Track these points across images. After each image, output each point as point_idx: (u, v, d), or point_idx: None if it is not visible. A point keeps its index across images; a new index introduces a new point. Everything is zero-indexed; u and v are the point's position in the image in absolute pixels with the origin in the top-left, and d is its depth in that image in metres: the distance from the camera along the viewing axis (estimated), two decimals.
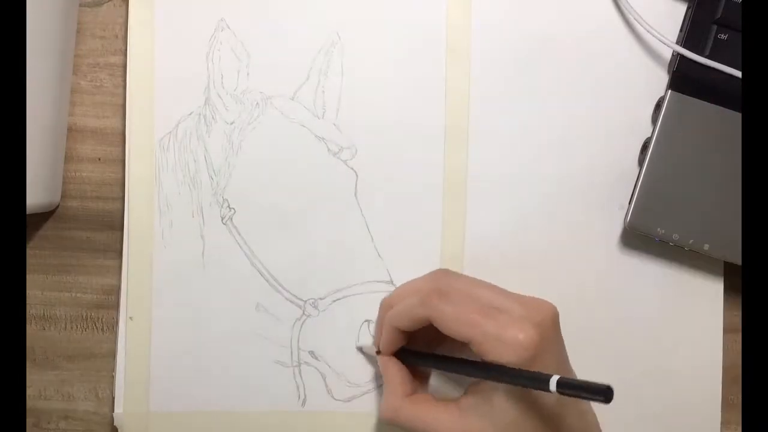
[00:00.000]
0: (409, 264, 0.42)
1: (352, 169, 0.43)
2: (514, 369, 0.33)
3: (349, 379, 0.42)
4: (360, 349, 0.42)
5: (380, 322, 0.41)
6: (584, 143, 0.43)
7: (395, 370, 0.39)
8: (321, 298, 0.42)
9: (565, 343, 0.37)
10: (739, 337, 0.43)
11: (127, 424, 0.42)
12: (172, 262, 0.42)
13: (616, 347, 0.43)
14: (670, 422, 0.43)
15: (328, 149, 0.43)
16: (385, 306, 0.41)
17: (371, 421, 0.43)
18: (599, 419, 0.37)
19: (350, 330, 0.42)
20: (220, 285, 0.42)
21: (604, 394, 0.29)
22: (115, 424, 0.42)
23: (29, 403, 0.43)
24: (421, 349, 0.40)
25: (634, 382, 0.43)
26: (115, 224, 0.43)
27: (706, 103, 0.41)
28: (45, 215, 0.43)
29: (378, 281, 0.42)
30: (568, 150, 0.43)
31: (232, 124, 0.42)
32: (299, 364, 0.43)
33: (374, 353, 0.40)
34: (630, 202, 0.41)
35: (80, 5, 0.43)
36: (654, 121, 0.42)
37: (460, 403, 0.36)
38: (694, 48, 0.41)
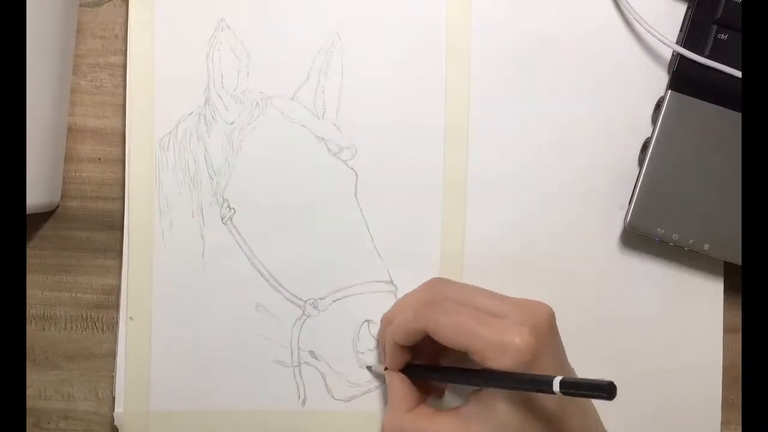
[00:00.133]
0: (409, 264, 0.42)
1: (352, 169, 0.43)
2: (516, 374, 0.33)
3: (349, 379, 0.42)
4: (369, 369, 0.42)
5: (382, 338, 0.41)
6: (584, 143, 0.43)
7: (397, 385, 0.39)
8: (321, 298, 0.42)
9: (565, 343, 0.37)
10: (739, 337, 0.43)
11: (127, 423, 0.42)
12: (172, 262, 0.42)
13: (616, 347, 0.43)
14: (670, 422, 0.43)
15: (328, 149, 0.43)
16: (386, 321, 0.41)
17: (371, 421, 0.43)
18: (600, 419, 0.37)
19: (350, 330, 0.42)
20: (220, 285, 0.42)
21: (607, 390, 0.29)
22: (115, 423, 0.42)
23: (29, 403, 0.43)
24: (427, 361, 0.40)
25: (634, 382, 0.43)
26: (115, 224, 0.43)
27: (706, 103, 0.41)
28: (45, 215, 0.43)
29: (378, 281, 0.42)
30: (568, 150, 0.43)
31: (232, 124, 0.42)
32: (299, 364, 0.43)
33: (382, 371, 0.41)
34: (630, 202, 0.41)
35: (80, 5, 0.43)
36: (654, 121, 0.42)
37: (460, 412, 0.36)
38: (694, 48, 0.41)
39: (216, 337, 0.42)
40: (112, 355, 0.43)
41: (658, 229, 0.41)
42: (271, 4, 0.42)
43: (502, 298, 0.37)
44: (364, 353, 0.42)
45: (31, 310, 0.43)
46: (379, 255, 0.42)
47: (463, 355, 0.35)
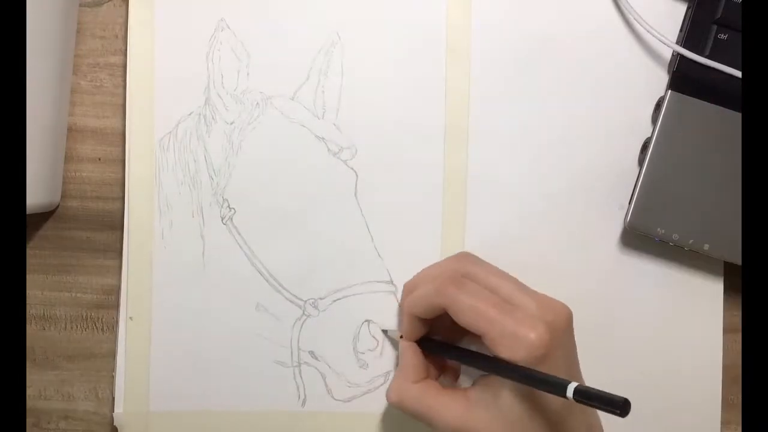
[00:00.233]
0: (409, 264, 0.42)
1: (352, 169, 0.43)
2: (532, 371, 0.33)
3: (349, 379, 0.42)
4: (385, 333, 0.42)
5: (401, 306, 0.41)
6: (584, 143, 0.43)
7: (410, 355, 0.39)
8: (321, 298, 0.42)
9: None
10: (739, 337, 0.43)
11: (127, 423, 0.42)
12: (172, 262, 0.42)
13: (615, 347, 0.43)
14: (670, 422, 0.43)
15: (328, 149, 0.43)
16: (407, 290, 0.41)
17: (371, 421, 0.43)
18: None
19: (350, 330, 0.42)
20: (220, 285, 0.42)
21: (621, 408, 0.29)
22: (115, 423, 0.42)
23: (29, 403, 0.43)
24: (443, 338, 0.40)
25: (634, 382, 0.43)
26: (115, 224, 0.43)
27: (706, 103, 0.41)
28: (45, 215, 0.43)
29: (378, 281, 0.42)
30: (568, 150, 0.43)
31: (232, 124, 0.42)
32: (299, 364, 0.43)
33: (398, 338, 0.41)
34: (630, 202, 0.41)
35: (80, 5, 0.43)
36: (654, 121, 0.42)
37: (468, 394, 0.37)
38: (694, 48, 0.41)
39: (216, 337, 0.42)
40: (112, 355, 0.43)
41: (658, 229, 0.41)
42: (271, 4, 0.42)
43: (526, 290, 0.37)
44: (364, 353, 0.42)
45: (31, 310, 0.43)
46: (379, 255, 0.42)
47: (479, 338, 0.36)
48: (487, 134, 0.43)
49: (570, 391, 0.31)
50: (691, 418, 0.43)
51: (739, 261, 0.41)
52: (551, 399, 0.34)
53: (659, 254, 0.43)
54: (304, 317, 0.42)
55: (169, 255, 0.42)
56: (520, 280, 0.38)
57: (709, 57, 0.40)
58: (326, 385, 0.43)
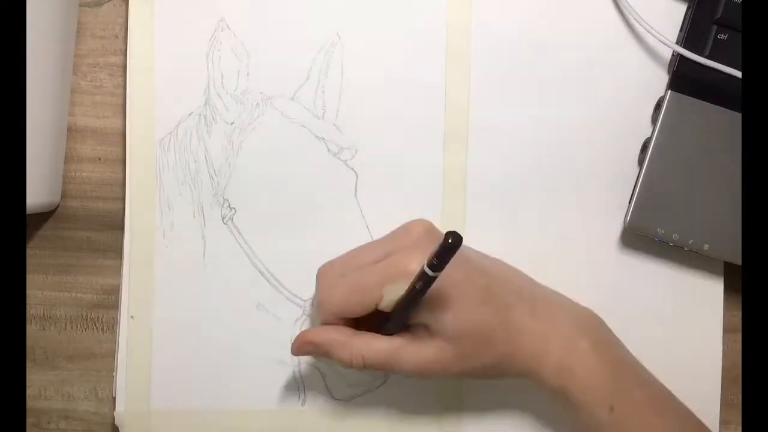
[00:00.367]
0: None
1: (352, 169, 0.43)
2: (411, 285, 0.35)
3: (349, 379, 0.42)
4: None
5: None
6: (584, 143, 0.43)
7: (332, 327, 0.39)
8: None
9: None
10: (739, 337, 0.43)
11: (128, 422, 0.42)
12: (173, 262, 0.42)
13: None
14: None
15: (328, 149, 0.43)
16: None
17: (371, 421, 0.43)
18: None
19: None
20: (220, 285, 0.42)
21: (453, 240, 0.32)
22: (116, 422, 0.42)
23: (29, 403, 0.43)
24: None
25: None
26: (115, 224, 0.43)
27: (706, 103, 0.41)
28: (45, 215, 0.43)
29: None
30: (568, 150, 0.43)
31: (232, 124, 0.42)
32: (299, 364, 0.43)
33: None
34: (630, 202, 0.41)
35: (80, 5, 0.43)
36: (654, 121, 0.42)
37: (393, 339, 0.38)
38: (694, 48, 0.41)
39: (216, 336, 0.42)
40: (112, 355, 0.43)
41: (658, 229, 0.41)
42: (271, 4, 0.42)
43: (377, 242, 0.39)
44: None
45: (31, 310, 0.43)
46: None
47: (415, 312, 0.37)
48: (486, 134, 0.43)
49: (427, 269, 0.34)
50: None
51: (739, 261, 0.41)
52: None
53: (659, 254, 0.43)
54: (305, 317, 0.42)
55: (170, 255, 0.42)
56: None
57: (709, 57, 0.40)
58: (326, 385, 0.43)
